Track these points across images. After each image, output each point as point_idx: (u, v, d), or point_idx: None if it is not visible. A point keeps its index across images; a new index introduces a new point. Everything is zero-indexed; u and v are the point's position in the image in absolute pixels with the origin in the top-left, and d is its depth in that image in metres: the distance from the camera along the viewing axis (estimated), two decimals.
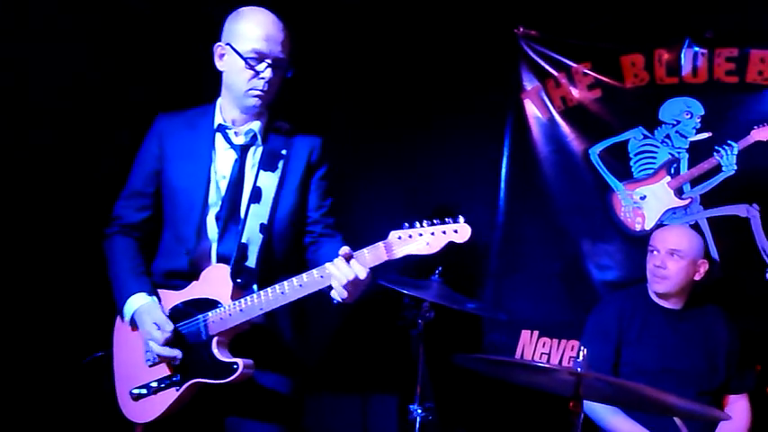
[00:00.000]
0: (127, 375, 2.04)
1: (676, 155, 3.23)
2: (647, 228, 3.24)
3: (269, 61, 1.95)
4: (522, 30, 3.41)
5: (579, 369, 1.95)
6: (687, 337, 2.71)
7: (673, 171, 3.24)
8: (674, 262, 2.68)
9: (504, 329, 3.38)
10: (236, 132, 2.04)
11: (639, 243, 3.20)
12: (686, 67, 3.17)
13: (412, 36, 3.45)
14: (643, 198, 3.28)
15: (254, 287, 1.97)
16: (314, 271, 1.87)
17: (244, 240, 1.99)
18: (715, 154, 3.14)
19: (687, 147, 3.20)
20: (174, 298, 2.02)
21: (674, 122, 3.22)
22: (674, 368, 2.64)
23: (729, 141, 3.11)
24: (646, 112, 3.24)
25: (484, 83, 3.43)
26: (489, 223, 3.43)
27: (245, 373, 1.91)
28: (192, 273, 2.01)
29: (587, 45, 3.31)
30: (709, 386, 2.66)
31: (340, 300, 1.87)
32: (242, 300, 1.92)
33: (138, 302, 1.99)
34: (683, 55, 3.17)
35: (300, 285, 1.87)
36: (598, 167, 3.33)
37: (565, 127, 3.39)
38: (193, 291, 2.00)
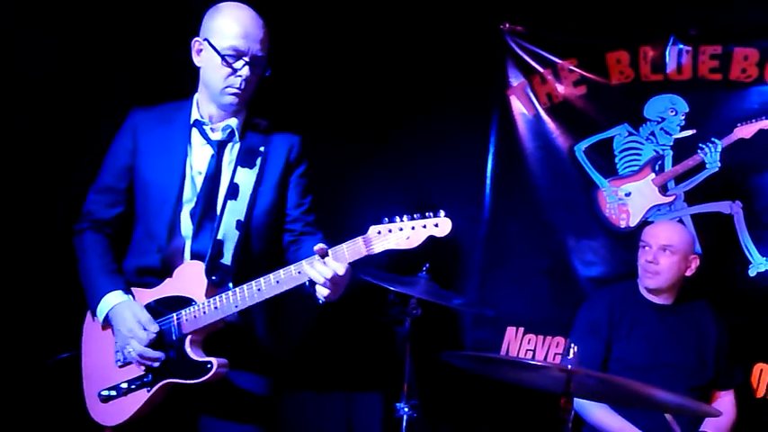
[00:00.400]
0: (95, 376, 1.98)
1: (661, 152, 3.24)
2: (632, 224, 3.25)
3: (246, 59, 1.92)
4: (507, 26, 3.40)
5: (569, 366, 1.94)
6: (677, 332, 2.72)
7: (657, 168, 3.25)
8: (665, 257, 2.70)
9: (489, 326, 3.38)
10: (212, 128, 2.01)
11: (624, 239, 3.23)
12: (671, 65, 3.18)
13: (398, 32, 3.43)
14: (628, 195, 3.29)
15: (230, 285, 1.94)
16: (291, 267, 1.83)
17: (220, 237, 1.95)
18: (699, 151, 3.16)
19: (671, 144, 3.22)
20: (146, 296, 1.97)
21: (659, 119, 3.24)
22: (664, 363, 2.65)
23: (713, 139, 3.13)
24: (631, 109, 3.25)
25: (470, 79, 3.42)
26: (475, 219, 3.42)
27: (219, 373, 1.87)
28: (164, 270, 1.96)
29: (573, 42, 3.31)
30: (699, 381, 2.68)
31: (323, 298, 1.84)
32: (217, 297, 1.88)
33: (113, 300, 1.94)
34: (667, 52, 3.18)
35: (277, 282, 1.83)
36: (583, 164, 3.33)
37: (550, 123, 3.39)
38: (166, 288, 1.96)
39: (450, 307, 2.83)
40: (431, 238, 1.76)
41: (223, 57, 1.91)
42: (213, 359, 1.87)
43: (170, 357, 1.90)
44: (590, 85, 3.30)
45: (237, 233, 1.96)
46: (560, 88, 3.35)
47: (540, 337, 3.31)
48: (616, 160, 3.30)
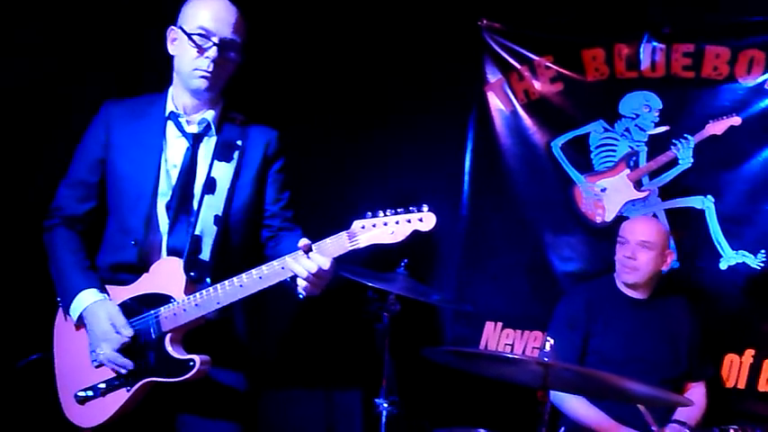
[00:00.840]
0: (70, 377, 1.94)
1: (635, 148, 3.29)
2: (608, 220, 3.30)
3: (215, 40, 1.90)
4: (485, 22, 3.41)
5: (546, 359, 1.96)
6: (652, 326, 2.77)
7: (632, 164, 3.30)
8: (643, 253, 2.74)
9: (468, 321, 3.40)
10: (188, 120, 1.98)
11: (601, 235, 3.27)
12: (645, 62, 3.22)
13: (377, 28, 3.42)
14: (603, 190, 3.33)
15: (208, 281, 1.92)
16: (274, 262, 1.82)
17: (197, 232, 1.93)
18: (672, 147, 3.21)
19: (646, 140, 3.27)
20: (122, 293, 1.94)
21: (634, 116, 3.28)
22: (639, 357, 2.70)
23: (686, 135, 3.18)
24: (606, 106, 3.29)
25: (447, 75, 3.42)
26: (453, 216, 3.43)
27: (201, 370, 1.85)
28: (140, 266, 1.93)
29: (550, 38, 3.34)
30: (672, 374, 2.73)
31: (305, 294, 1.83)
32: (197, 294, 1.86)
33: (88, 299, 1.90)
34: (641, 50, 3.22)
35: (260, 277, 1.82)
36: (560, 160, 3.37)
37: (527, 120, 3.41)
38: (143, 285, 1.93)
39: (428, 303, 2.84)
40: (415, 233, 1.76)
41: (190, 36, 1.89)
42: (196, 357, 1.85)
43: (149, 356, 1.87)
44: (566, 81, 3.33)
45: (215, 228, 1.94)
46: (537, 85, 3.38)
47: (519, 332, 3.34)
48: (592, 156, 3.34)
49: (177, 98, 1.99)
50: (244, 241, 2.01)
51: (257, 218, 2.04)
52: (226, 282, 1.84)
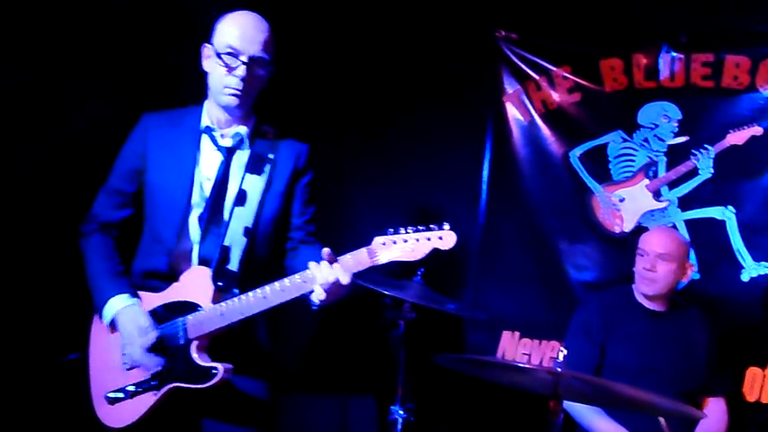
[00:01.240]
0: (103, 378, 2.01)
1: (654, 158, 3.27)
2: (626, 230, 3.28)
3: (244, 59, 1.94)
4: (502, 33, 3.43)
5: (559, 369, 1.96)
6: (668, 338, 2.73)
7: (651, 174, 3.28)
8: (663, 265, 2.71)
9: (485, 330, 3.40)
10: (222, 134, 2.04)
11: (618, 244, 3.25)
12: (664, 72, 3.21)
13: (394, 40, 3.47)
14: (622, 200, 3.32)
15: (236, 291, 1.96)
16: (296, 275, 1.86)
17: (226, 243, 1.97)
18: (692, 157, 3.19)
19: (665, 150, 3.25)
20: (153, 300, 2.00)
21: (653, 126, 3.27)
22: (655, 368, 2.66)
23: (706, 145, 3.16)
24: (625, 116, 3.28)
25: (465, 86, 3.44)
26: (471, 225, 3.44)
27: (224, 378, 1.90)
28: (171, 274, 1.99)
29: (567, 49, 3.34)
30: (689, 387, 2.69)
31: (318, 303, 1.86)
32: (223, 303, 1.90)
33: (119, 304, 1.97)
34: (660, 60, 3.21)
35: (282, 290, 1.86)
36: (578, 170, 3.36)
37: (545, 130, 3.42)
38: (173, 293, 1.98)
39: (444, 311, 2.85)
40: (434, 251, 1.78)
41: (219, 56, 1.95)
42: (219, 365, 1.89)
43: (176, 362, 1.92)
44: (584, 91, 3.33)
45: (245, 240, 1.98)
46: (555, 95, 3.39)
47: (536, 342, 3.33)
48: (610, 166, 3.33)
49: (211, 112, 2.05)
50: (270, 252, 2.06)
51: (283, 230, 2.08)
52: (250, 293, 1.88)
